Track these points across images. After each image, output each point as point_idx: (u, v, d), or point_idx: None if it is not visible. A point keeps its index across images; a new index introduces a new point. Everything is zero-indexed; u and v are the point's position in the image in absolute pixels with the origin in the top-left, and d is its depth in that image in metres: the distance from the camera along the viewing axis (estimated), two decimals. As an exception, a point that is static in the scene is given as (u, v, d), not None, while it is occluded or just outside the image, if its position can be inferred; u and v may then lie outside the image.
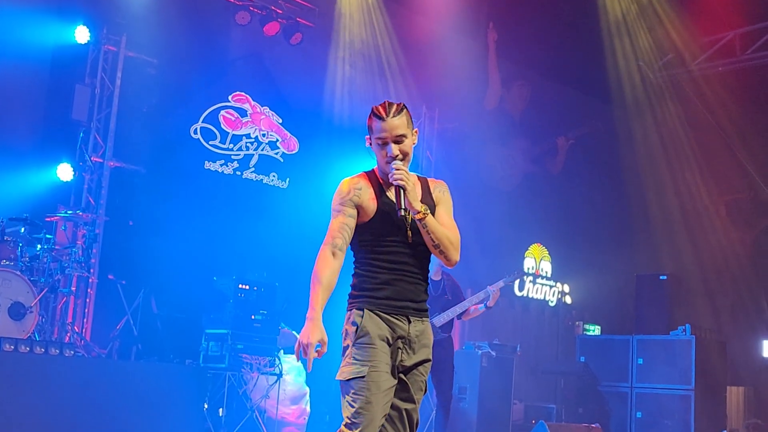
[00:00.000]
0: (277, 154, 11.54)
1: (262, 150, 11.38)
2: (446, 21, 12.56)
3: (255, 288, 9.33)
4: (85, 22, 10.01)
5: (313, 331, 3.84)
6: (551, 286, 14.69)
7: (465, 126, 13.21)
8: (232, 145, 11.04)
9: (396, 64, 12.48)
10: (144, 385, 8.15)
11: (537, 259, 14.51)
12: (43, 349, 7.56)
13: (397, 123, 3.88)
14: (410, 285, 3.93)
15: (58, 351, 7.66)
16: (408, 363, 3.94)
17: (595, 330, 13.64)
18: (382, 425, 3.90)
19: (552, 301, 14.67)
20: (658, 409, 10.66)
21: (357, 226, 3.98)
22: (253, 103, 11.33)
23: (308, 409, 9.55)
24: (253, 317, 9.23)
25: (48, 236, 8.58)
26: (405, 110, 3.94)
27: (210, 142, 10.86)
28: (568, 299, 14.88)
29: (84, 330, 9.45)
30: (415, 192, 3.86)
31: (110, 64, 10.34)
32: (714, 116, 13.87)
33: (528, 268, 14.31)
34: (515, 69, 14.11)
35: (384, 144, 3.90)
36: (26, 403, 7.25)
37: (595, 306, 14.63)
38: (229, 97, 11.10)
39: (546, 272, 14.64)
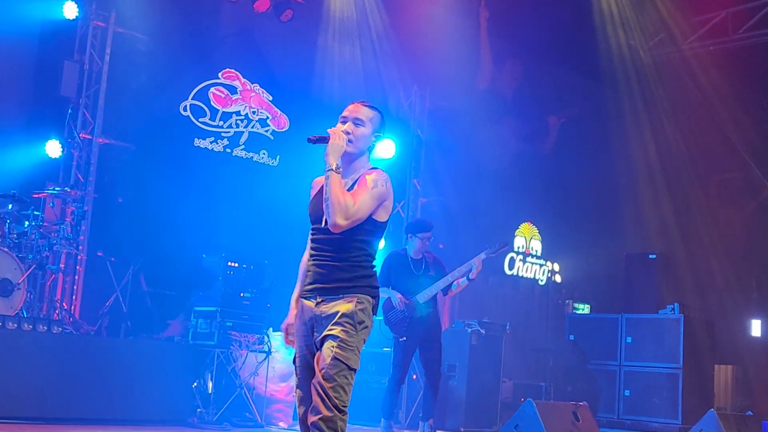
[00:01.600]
0: (267, 131, 11.51)
1: (252, 127, 11.34)
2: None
3: (244, 266, 9.33)
4: (73, -3, 9.93)
5: (285, 320, 4.31)
6: (541, 265, 14.73)
7: (456, 105, 13.18)
8: (221, 123, 11.00)
9: (387, 42, 12.43)
10: (133, 362, 8.16)
11: (527, 237, 14.54)
12: (31, 326, 7.56)
13: (364, 110, 4.24)
14: (324, 267, 4.10)
15: (46, 328, 7.66)
16: (317, 340, 4.08)
17: (584, 309, 13.70)
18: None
19: (542, 280, 14.71)
20: (646, 388, 10.72)
21: None
22: (243, 80, 11.28)
23: (297, 386, 9.57)
24: (242, 295, 9.23)
25: (36, 213, 8.56)
26: (376, 111, 4.28)
27: (200, 119, 10.82)
28: (557, 278, 14.93)
29: (73, 307, 9.44)
30: (337, 148, 4.04)
31: (99, 41, 10.27)
32: (705, 96, 13.87)
33: (518, 247, 14.34)
34: (507, 48, 14.06)
35: (344, 122, 4.19)
36: (14, 380, 7.26)
37: (585, 285, 14.68)
38: (219, 74, 11.05)
39: (536, 251, 14.68)
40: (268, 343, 9.19)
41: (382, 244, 11.98)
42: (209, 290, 9.22)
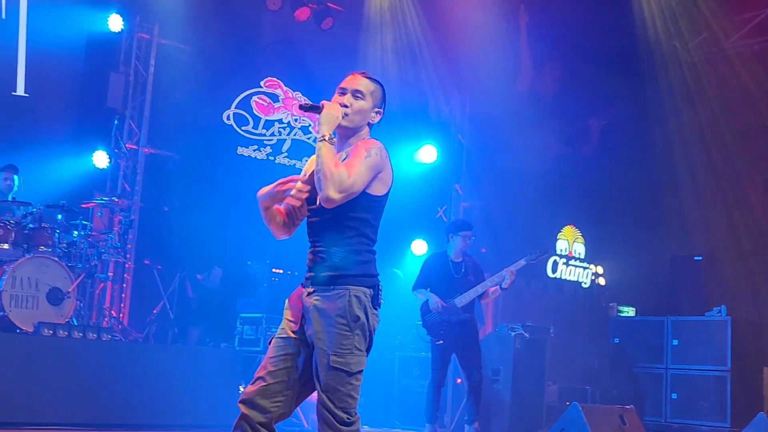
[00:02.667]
0: (309, 138, 11.60)
1: (295, 135, 11.45)
2: (477, 4, 12.49)
3: (288, 272, 9.43)
4: (118, 10, 10.14)
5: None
6: (585, 268, 14.64)
7: (497, 109, 13.15)
8: (264, 131, 11.12)
9: (427, 48, 12.47)
10: (180, 369, 8.26)
11: (570, 241, 14.47)
12: (81, 334, 7.69)
13: (364, 82, 3.91)
14: (317, 254, 3.80)
15: (95, 335, 7.79)
16: (307, 333, 3.75)
17: (629, 311, 13.58)
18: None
19: (585, 283, 14.62)
20: (693, 391, 10.60)
21: None
22: (285, 88, 11.40)
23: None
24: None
25: (84, 222, 8.72)
26: (378, 84, 3.96)
27: (242, 128, 10.95)
28: (601, 281, 14.83)
29: (121, 314, 9.60)
30: (331, 118, 3.72)
31: (144, 52, 10.46)
32: (749, 95, 13.69)
33: (561, 250, 14.28)
34: (547, 51, 14.02)
35: (342, 93, 3.87)
36: (65, 387, 7.39)
37: (629, 287, 14.55)
38: (261, 83, 11.17)
39: (579, 254, 14.59)
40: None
41: (423, 248, 12.16)
42: (254, 297, 9.32)
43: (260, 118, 11.08)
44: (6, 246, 8.03)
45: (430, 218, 12.69)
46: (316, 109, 3.75)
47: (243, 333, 9.20)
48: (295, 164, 11.44)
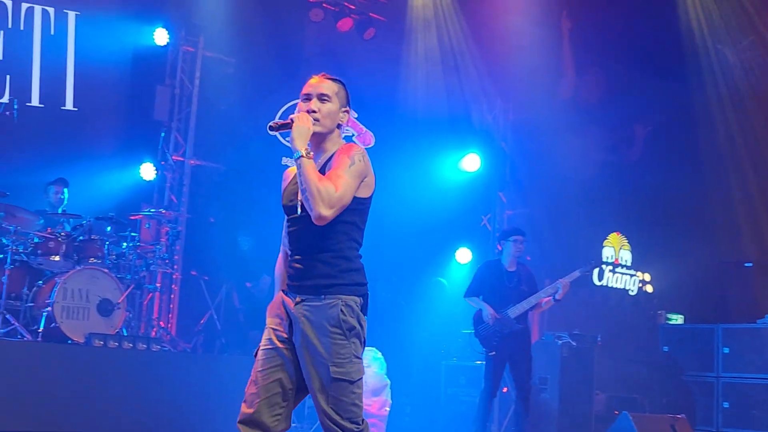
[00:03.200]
0: (351, 148, 11.63)
1: (339, 145, 11.48)
2: (519, 11, 12.46)
3: (335, 282, 9.42)
4: (164, 24, 10.28)
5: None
6: (631, 275, 14.47)
7: (540, 116, 13.09)
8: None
9: (469, 56, 12.45)
10: (228, 378, 8.30)
11: (616, 248, 14.32)
12: (131, 345, 7.77)
13: (327, 84, 3.83)
14: (303, 262, 3.71)
15: (145, 346, 7.86)
16: (297, 343, 3.69)
17: (677, 319, 13.40)
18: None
19: (633, 291, 14.45)
20: (745, 399, 10.43)
21: None
22: (328, 98, 11.43)
23: (389, 400, 9.61)
24: (333, 311, 9.32)
25: (133, 234, 8.81)
26: (340, 84, 3.89)
27: (287, 138, 10.97)
28: (649, 288, 14.64)
29: (169, 325, 9.69)
30: (303, 131, 3.65)
31: (189, 65, 10.59)
32: (797, 99, 13.48)
33: (607, 258, 14.14)
34: (590, 57, 13.92)
35: (307, 99, 3.80)
36: (115, 397, 7.46)
37: (678, 294, 14.35)
38: (305, 94, 11.22)
39: (626, 261, 14.43)
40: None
41: (467, 256, 12.13)
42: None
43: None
44: (57, 258, 8.16)
45: (474, 227, 12.65)
46: (285, 126, 3.69)
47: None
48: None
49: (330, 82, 3.85)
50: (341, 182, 3.57)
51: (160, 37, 10.25)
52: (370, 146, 11.80)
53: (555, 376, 10.09)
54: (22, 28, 9.63)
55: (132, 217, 9.15)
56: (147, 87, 10.38)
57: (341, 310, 3.60)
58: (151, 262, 8.93)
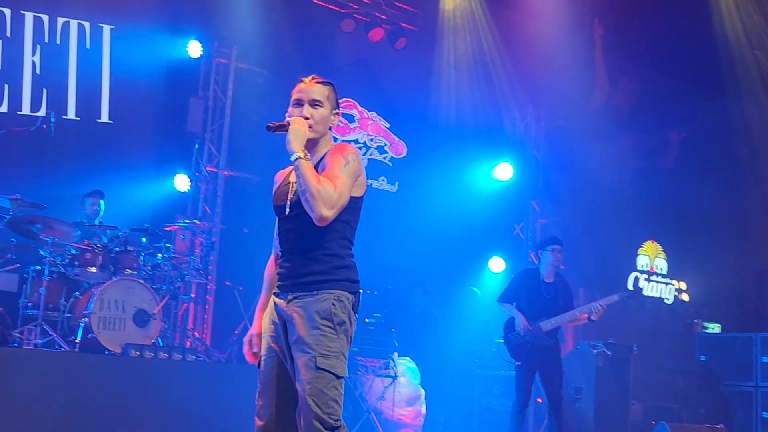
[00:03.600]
0: (385, 158, 11.65)
1: (371, 155, 11.50)
2: (550, 19, 12.41)
3: (368, 291, 9.44)
4: (197, 36, 10.35)
5: (249, 330, 3.94)
6: (667, 284, 14.35)
7: (572, 124, 13.04)
8: (340, 151, 11.20)
9: (500, 64, 12.43)
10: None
11: (651, 256, 14.21)
12: (166, 355, 7.81)
13: (318, 89, 3.81)
14: (295, 259, 3.71)
15: (180, 356, 7.90)
16: (290, 342, 3.67)
17: (714, 328, 13.26)
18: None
19: (668, 299, 14.33)
20: (785, 409, 10.28)
21: None
22: (360, 108, 11.47)
23: (424, 410, 9.60)
24: (367, 320, 9.35)
25: (168, 245, 8.87)
26: (330, 86, 3.87)
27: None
28: (685, 297, 14.49)
29: (204, 335, 9.73)
30: (299, 135, 3.65)
31: (222, 77, 10.66)
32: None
33: (642, 266, 14.03)
34: (623, 63, 13.85)
35: (299, 105, 3.80)
36: (151, 407, 7.49)
37: (715, 303, 14.20)
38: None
39: (661, 269, 14.32)
40: (394, 368, 9.26)
41: (500, 265, 12.07)
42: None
43: (336, 139, 11.17)
44: (93, 269, 8.22)
45: (507, 235, 12.61)
46: (282, 127, 3.70)
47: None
48: (371, 183, 11.48)
49: (321, 86, 3.83)
50: (338, 182, 3.58)
51: (194, 49, 10.33)
52: (402, 156, 11.81)
53: (590, 385, 10.00)
54: (58, 42, 9.75)
55: (167, 228, 9.21)
56: (180, 99, 10.46)
57: (333, 304, 3.60)
58: (185, 272, 8.98)
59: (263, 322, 3.82)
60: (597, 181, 13.33)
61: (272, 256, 3.93)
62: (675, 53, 13.15)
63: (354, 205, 3.72)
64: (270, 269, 3.92)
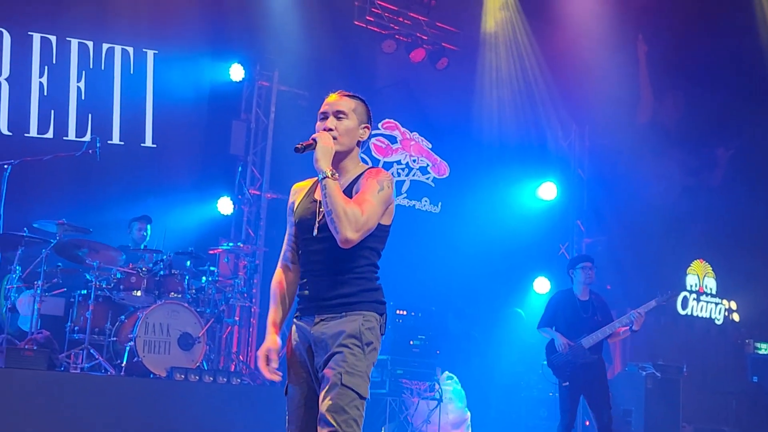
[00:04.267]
0: (428, 179, 11.60)
1: (413, 176, 11.46)
2: (593, 36, 12.32)
3: (412, 313, 9.38)
4: (239, 60, 10.43)
5: (263, 345, 3.67)
6: (717, 304, 14.08)
7: (617, 141, 12.88)
8: (383, 172, 11.17)
9: (543, 83, 12.36)
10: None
11: (700, 275, 13.96)
12: (211, 378, 7.81)
13: (343, 101, 3.71)
14: (322, 282, 3.58)
15: (225, 379, 7.90)
16: (318, 365, 3.55)
17: (767, 348, 12.97)
18: None
19: (718, 319, 14.06)
20: (842, 431, 10.02)
21: None
22: (402, 129, 11.45)
23: (470, 434, 9.49)
24: (411, 342, 9.28)
25: (212, 268, 8.89)
26: (359, 100, 3.76)
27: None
28: (735, 317, 14.22)
29: (248, 358, 9.72)
30: (327, 151, 3.54)
31: (264, 99, 10.71)
32: None
33: (691, 286, 13.79)
34: (668, 80, 13.68)
35: (324, 118, 3.70)
36: (196, 431, 7.49)
37: (767, 323, 13.91)
38: (379, 125, 11.26)
39: (710, 289, 14.06)
40: (440, 390, 9.16)
41: (545, 286, 11.94)
42: (379, 338, 9.29)
43: (379, 160, 11.15)
44: (139, 293, 8.26)
45: (552, 256, 12.47)
46: (310, 146, 3.59)
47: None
48: (414, 204, 11.45)
49: (347, 98, 3.73)
50: (367, 206, 3.48)
51: (236, 72, 10.40)
52: (445, 176, 11.75)
53: (640, 408, 9.85)
54: (103, 68, 9.87)
55: (211, 252, 9.23)
56: (223, 122, 10.53)
57: (362, 324, 3.52)
58: (229, 295, 8.98)
59: (288, 347, 3.68)
60: (643, 200, 13.15)
61: (280, 269, 3.78)
62: (721, 68, 12.97)
63: (381, 233, 3.64)
64: (280, 283, 3.76)
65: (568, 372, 7.85)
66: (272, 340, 3.66)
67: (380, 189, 3.56)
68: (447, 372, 9.36)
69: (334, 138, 3.62)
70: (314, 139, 3.58)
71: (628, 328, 7.87)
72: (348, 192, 3.60)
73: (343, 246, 3.46)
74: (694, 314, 13.77)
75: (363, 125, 3.73)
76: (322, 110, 3.72)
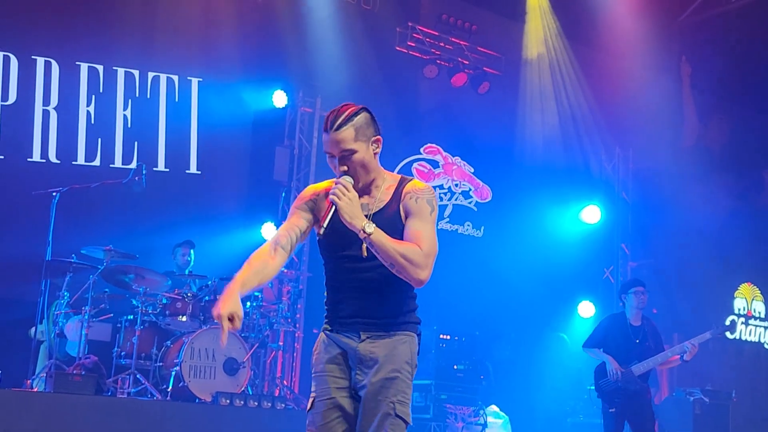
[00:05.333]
0: (470, 203, 11.59)
1: (456, 200, 11.46)
2: (635, 58, 12.27)
3: (456, 338, 9.34)
4: (282, 87, 10.51)
5: (224, 302, 3.31)
6: (766, 327, 13.85)
7: (662, 164, 12.78)
8: (425, 197, 11.18)
9: (586, 105, 12.30)
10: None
11: (748, 299, 13.75)
12: (256, 403, 7.82)
13: (342, 137, 3.40)
14: (368, 299, 3.47)
15: (270, 404, 7.91)
16: (361, 383, 3.45)
17: (818, 373, 12.72)
18: None
19: (768, 343, 13.83)
20: None
21: (318, 243, 3.59)
22: (444, 153, 11.46)
23: (515, 461, 9.40)
24: (455, 367, 9.23)
25: (256, 294, 8.91)
26: (355, 118, 3.44)
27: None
28: (785, 341, 13.98)
29: (292, 383, 9.73)
30: (351, 208, 3.33)
31: (307, 125, 10.78)
32: None
33: (739, 309, 13.58)
34: (713, 101, 13.57)
35: (332, 158, 3.47)
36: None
37: (817, 347, 13.66)
38: (421, 150, 11.28)
39: (759, 313, 13.84)
40: (484, 416, 9.10)
41: (590, 310, 11.83)
42: (423, 363, 9.24)
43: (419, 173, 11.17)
44: (184, 318, 8.33)
45: (596, 279, 12.36)
46: (333, 213, 3.37)
47: (412, 400, 9.12)
48: (457, 229, 11.43)
49: (342, 130, 3.40)
50: (426, 236, 3.36)
51: (279, 99, 10.50)
52: (487, 201, 11.72)
53: (688, 434, 9.67)
54: (148, 96, 10.02)
55: (255, 277, 9.25)
56: (267, 148, 10.61)
57: (410, 347, 3.47)
58: (274, 320, 9.01)
59: (316, 360, 3.56)
60: (689, 223, 13.00)
61: (270, 248, 3.54)
62: (765, 88, 12.82)
63: None
64: (265, 256, 3.52)
65: (617, 399, 7.74)
66: (238, 303, 3.34)
67: (431, 210, 3.45)
68: (494, 406, 9.29)
69: (354, 177, 3.43)
70: (332, 202, 3.37)
71: (678, 357, 7.76)
72: (391, 210, 3.47)
73: (418, 286, 3.38)
74: (743, 338, 13.55)
75: (372, 140, 3.49)
76: (325, 150, 3.47)
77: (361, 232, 3.31)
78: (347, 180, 3.41)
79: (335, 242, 3.49)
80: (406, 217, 3.47)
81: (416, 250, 3.31)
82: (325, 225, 3.38)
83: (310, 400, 3.53)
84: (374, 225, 3.33)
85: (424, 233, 3.37)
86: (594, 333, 8.09)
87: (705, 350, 12.79)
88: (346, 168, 3.42)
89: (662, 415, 8.27)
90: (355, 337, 3.47)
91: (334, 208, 3.36)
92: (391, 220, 3.46)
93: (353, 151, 3.41)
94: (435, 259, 3.38)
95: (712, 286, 12.89)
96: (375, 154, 3.50)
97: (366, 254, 3.42)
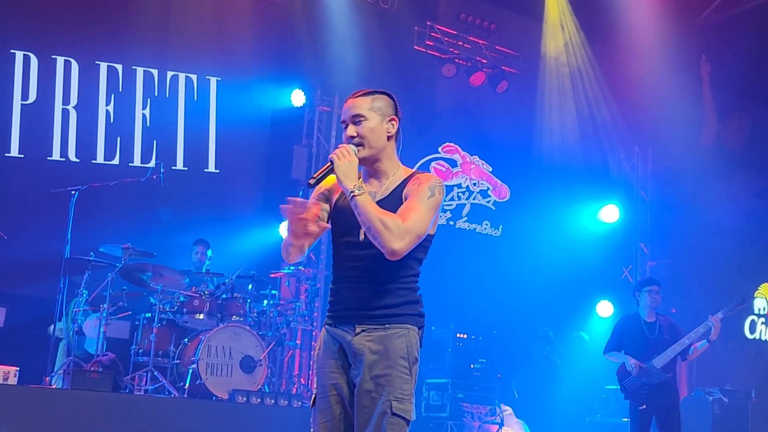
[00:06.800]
0: (488, 202, 11.57)
1: (474, 199, 11.45)
2: (655, 57, 12.21)
3: (473, 337, 9.35)
4: (300, 85, 10.54)
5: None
6: (786, 328, 13.74)
7: (681, 163, 12.72)
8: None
9: (604, 104, 12.25)
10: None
11: (768, 299, 13.65)
12: (273, 401, 7.86)
13: (357, 102, 3.44)
14: (363, 290, 3.37)
15: (287, 402, 7.94)
16: (356, 379, 3.35)
17: (839, 374, 12.60)
18: None
19: (788, 344, 13.71)
20: None
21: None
22: (462, 152, 11.46)
23: (532, 460, 9.39)
24: (472, 366, 9.24)
25: (273, 292, 8.96)
26: (376, 94, 3.48)
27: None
28: (806, 341, 13.87)
29: (310, 381, 9.75)
30: (348, 168, 3.27)
31: (325, 124, 10.81)
32: None
33: (759, 309, 13.49)
34: (732, 101, 13.46)
35: (345, 127, 3.45)
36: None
37: (838, 347, 13.54)
38: (439, 149, 11.28)
39: (779, 313, 13.74)
40: (501, 414, 9.09)
41: (608, 309, 11.79)
42: (439, 362, 9.28)
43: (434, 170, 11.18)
44: (201, 316, 8.37)
45: (615, 279, 12.33)
46: (327, 171, 3.34)
47: (429, 399, 9.15)
48: (475, 228, 11.42)
49: (361, 98, 3.46)
50: (413, 213, 3.26)
51: (297, 98, 10.53)
52: (505, 200, 11.71)
53: (707, 434, 9.62)
54: (167, 95, 10.08)
55: (272, 275, 9.30)
56: (285, 147, 10.65)
57: (408, 341, 3.36)
58: (291, 319, 9.04)
59: (319, 355, 3.48)
60: (708, 222, 12.92)
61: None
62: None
63: (426, 242, 3.42)
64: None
65: (645, 395, 7.70)
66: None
67: (430, 195, 3.34)
68: (510, 409, 9.29)
69: (360, 144, 3.40)
70: (331, 160, 3.32)
71: (704, 341, 7.69)
72: (395, 198, 3.41)
73: (390, 258, 3.24)
74: (763, 338, 13.45)
75: (388, 118, 3.47)
76: (342, 119, 3.49)
77: (348, 191, 3.25)
78: (352, 147, 3.37)
79: (337, 227, 3.45)
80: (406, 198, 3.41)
81: (397, 220, 3.23)
82: (316, 176, 3.36)
83: (313, 397, 3.50)
84: (366, 192, 3.28)
85: (412, 211, 3.28)
86: (611, 338, 8.06)
87: (724, 350, 12.76)
88: (354, 134, 3.40)
89: (681, 415, 8.22)
90: (350, 330, 3.38)
91: (330, 166, 3.32)
92: (393, 205, 3.37)
93: (364, 117, 3.42)
94: (417, 238, 3.28)
95: (731, 285, 12.77)
96: (389, 136, 3.48)
97: (363, 238, 3.34)
